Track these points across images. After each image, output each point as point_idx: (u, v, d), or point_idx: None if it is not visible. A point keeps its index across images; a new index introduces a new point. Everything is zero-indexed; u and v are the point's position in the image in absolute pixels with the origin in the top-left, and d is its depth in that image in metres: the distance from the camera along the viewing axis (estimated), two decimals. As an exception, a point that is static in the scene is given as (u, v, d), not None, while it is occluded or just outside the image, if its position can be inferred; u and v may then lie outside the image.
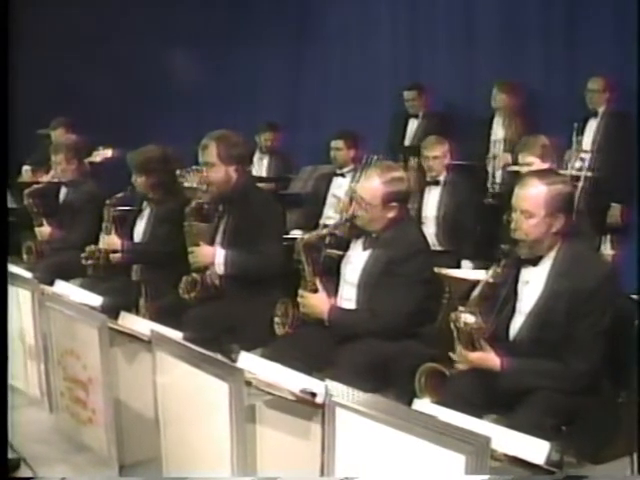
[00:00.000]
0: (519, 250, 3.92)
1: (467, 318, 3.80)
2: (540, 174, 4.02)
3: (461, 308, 3.86)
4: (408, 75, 9.15)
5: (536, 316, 3.83)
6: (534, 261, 3.91)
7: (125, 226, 6.17)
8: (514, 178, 5.54)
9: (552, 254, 3.87)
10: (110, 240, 5.97)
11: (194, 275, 5.25)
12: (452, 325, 3.86)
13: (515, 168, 6.26)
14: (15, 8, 10.36)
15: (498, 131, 7.93)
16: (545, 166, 5.42)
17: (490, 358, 3.81)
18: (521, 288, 3.96)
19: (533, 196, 3.82)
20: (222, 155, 5.16)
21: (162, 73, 10.94)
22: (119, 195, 6.11)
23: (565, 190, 3.89)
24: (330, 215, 7.37)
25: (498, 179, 7.62)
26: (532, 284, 3.90)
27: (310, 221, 7.36)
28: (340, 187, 7.49)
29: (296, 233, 6.36)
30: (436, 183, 6.79)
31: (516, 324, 3.93)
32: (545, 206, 3.79)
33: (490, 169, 7.69)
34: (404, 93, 8.80)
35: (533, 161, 5.50)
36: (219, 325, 5.02)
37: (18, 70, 10.80)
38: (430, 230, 6.46)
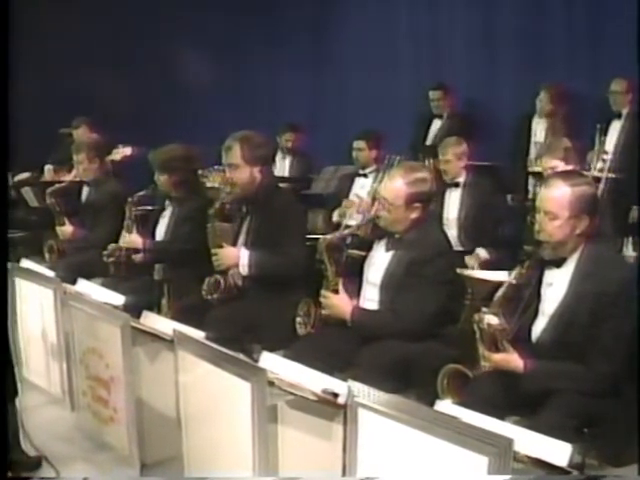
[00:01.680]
0: (543, 251, 3.91)
1: (490, 319, 3.79)
2: (564, 175, 4.00)
3: (484, 309, 3.86)
4: (430, 75, 9.13)
5: (559, 318, 3.82)
6: (558, 263, 3.89)
7: (147, 225, 6.19)
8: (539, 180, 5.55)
9: (575, 256, 3.86)
10: (131, 238, 6.00)
11: (217, 276, 5.25)
12: (475, 326, 3.86)
13: (537, 169, 6.24)
14: (38, 8, 10.51)
15: (538, 134, 7.89)
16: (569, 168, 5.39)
17: (513, 359, 3.80)
18: (544, 290, 3.94)
19: (557, 197, 3.80)
20: (246, 156, 5.15)
21: (183, 73, 10.95)
22: (141, 193, 6.14)
23: (589, 191, 3.87)
24: (350, 215, 7.34)
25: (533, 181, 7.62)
26: (555, 286, 3.89)
27: (332, 221, 7.34)
28: (362, 187, 7.47)
29: (318, 234, 6.35)
30: (456, 185, 6.76)
31: (539, 326, 3.91)
32: (569, 207, 3.77)
33: (530, 170, 7.67)
34: (429, 93, 8.79)
35: (557, 164, 5.46)
36: (241, 325, 5.02)
37: (39, 70, 10.94)
38: (452, 231, 6.43)
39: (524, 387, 3.74)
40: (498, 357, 3.82)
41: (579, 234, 3.82)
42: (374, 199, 6.12)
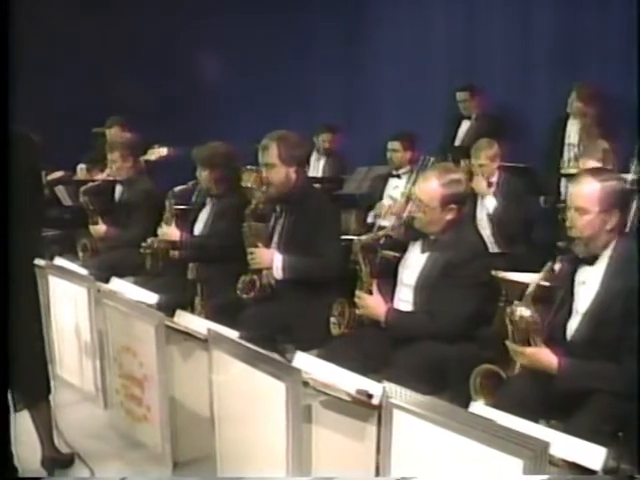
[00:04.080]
0: (575, 248, 3.91)
1: (522, 311, 3.77)
2: (593, 172, 4.01)
3: (517, 302, 3.84)
4: (462, 76, 9.07)
5: (592, 316, 3.79)
6: (590, 261, 3.88)
7: (186, 220, 6.21)
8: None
9: (607, 253, 3.84)
10: (169, 231, 6.03)
11: (252, 276, 5.24)
12: (507, 320, 3.84)
13: (572, 171, 6.20)
14: (77, 9, 10.57)
15: (572, 135, 7.84)
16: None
17: (545, 354, 3.75)
18: (578, 288, 3.92)
19: (587, 193, 3.80)
20: (283, 156, 5.13)
21: (219, 73, 10.98)
22: (181, 188, 6.17)
23: (619, 187, 3.86)
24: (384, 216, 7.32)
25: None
26: (588, 284, 3.87)
27: (366, 223, 7.34)
28: (395, 188, 7.46)
29: (350, 234, 6.34)
30: (489, 185, 6.72)
31: (573, 325, 3.89)
32: (599, 202, 3.77)
33: (563, 172, 7.63)
34: (457, 94, 8.75)
35: (594, 166, 5.42)
36: (275, 325, 5.02)
37: (70, 70, 11.01)
38: (485, 232, 6.40)
39: (558, 386, 3.70)
40: (530, 351, 3.78)
41: (610, 230, 3.81)
42: (407, 200, 6.12)
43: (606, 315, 3.73)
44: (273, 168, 5.17)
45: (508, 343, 3.83)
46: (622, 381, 3.58)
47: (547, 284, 3.95)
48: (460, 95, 8.73)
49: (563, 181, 7.45)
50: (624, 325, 3.65)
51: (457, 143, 8.65)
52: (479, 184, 6.63)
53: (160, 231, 6.07)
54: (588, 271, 3.89)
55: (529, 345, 3.78)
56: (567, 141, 7.88)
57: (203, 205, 6.24)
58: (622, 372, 3.60)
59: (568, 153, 7.78)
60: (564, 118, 7.93)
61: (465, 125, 8.77)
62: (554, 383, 3.71)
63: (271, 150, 5.15)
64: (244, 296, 5.22)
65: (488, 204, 6.60)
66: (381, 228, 5.60)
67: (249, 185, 7.17)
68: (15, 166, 3.97)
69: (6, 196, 3.89)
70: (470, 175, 6.68)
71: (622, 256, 3.81)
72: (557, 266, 4.08)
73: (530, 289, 3.87)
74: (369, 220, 7.33)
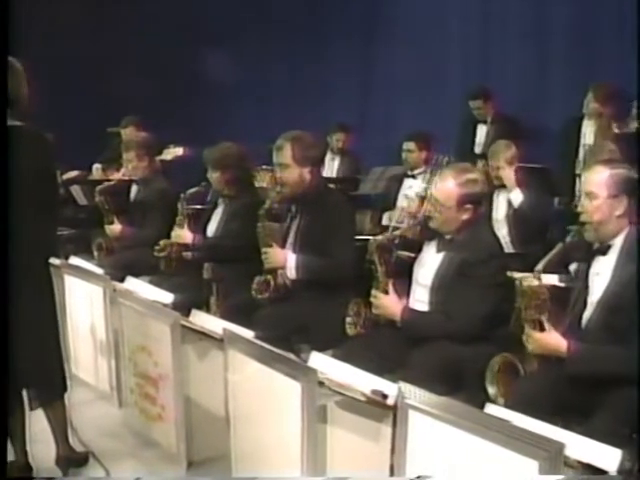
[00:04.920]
0: (585, 233, 3.99)
1: (532, 282, 3.90)
2: (604, 161, 4.18)
3: (527, 274, 3.97)
4: (478, 75, 9.06)
5: (605, 303, 3.84)
6: (603, 251, 3.95)
7: (198, 222, 6.21)
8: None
9: (619, 242, 3.92)
10: (182, 233, 6.03)
11: (267, 276, 5.24)
12: (518, 295, 4.00)
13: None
14: (93, 8, 10.61)
15: (588, 135, 7.82)
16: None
17: (555, 338, 3.83)
18: (592, 280, 3.97)
19: (596, 179, 3.93)
20: (297, 156, 5.13)
21: (233, 72, 10.99)
22: (193, 190, 6.17)
23: (627, 174, 3.96)
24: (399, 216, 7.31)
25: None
26: (602, 274, 3.93)
27: (381, 222, 7.32)
28: (410, 188, 7.44)
29: (365, 234, 6.33)
30: (504, 186, 6.70)
31: (588, 315, 3.93)
32: (607, 187, 3.89)
33: (579, 172, 7.61)
34: (470, 102, 8.68)
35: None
36: (290, 325, 5.01)
37: (85, 70, 11.05)
38: (501, 233, 6.37)
39: (569, 371, 3.75)
40: (540, 336, 3.87)
41: (619, 215, 3.90)
42: (423, 200, 6.11)
43: (618, 303, 3.78)
44: (287, 168, 5.16)
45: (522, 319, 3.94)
46: (633, 365, 3.60)
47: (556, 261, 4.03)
48: (474, 103, 8.66)
49: (578, 182, 7.45)
50: (636, 313, 3.68)
51: (477, 149, 8.59)
52: (508, 177, 6.60)
53: (173, 234, 6.07)
54: (601, 262, 3.95)
55: (541, 329, 3.86)
56: (582, 142, 7.85)
57: (215, 206, 6.24)
58: (633, 357, 3.61)
59: (584, 154, 7.76)
60: (579, 119, 7.91)
61: (482, 129, 8.72)
62: (565, 369, 3.75)
63: (285, 150, 5.15)
64: (258, 296, 5.22)
65: (514, 198, 6.56)
66: (396, 228, 5.57)
67: (264, 185, 7.17)
68: (30, 165, 3.98)
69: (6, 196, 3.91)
70: (487, 176, 6.66)
71: (632, 243, 3.88)
72: (572, 266, 4.12)
73: (542, 264, 4.03)
74: (384, 220, 7.31)
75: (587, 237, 4.00)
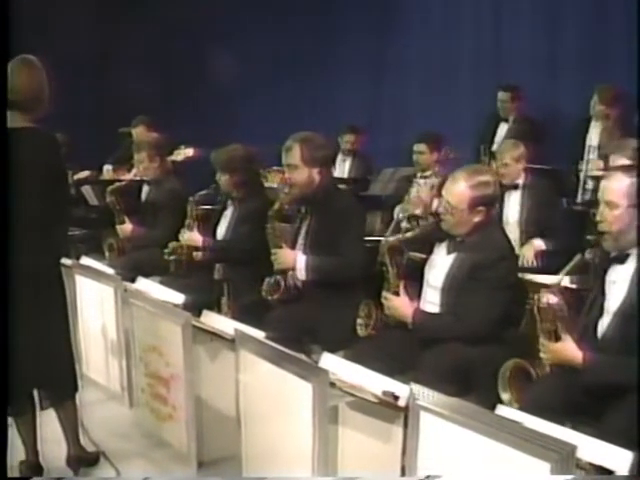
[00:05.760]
0: (604, 243, 3.91)
1: (550, 299, 3.82)
2: (624, 168, 4.10)
3: (544, 290, 3.88)
4: (490, 78, 9.04)
5: (622, 314, 3.79)
6: (621, 259, 3.88)
7: (207, 224, 6.21)
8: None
9: (637, 251, 3.84)
10: (191, 236, 6.03)
11: (277, 277, 5.24)
12: (535, 310, 3.91)
13: (601, 173, 6.16)
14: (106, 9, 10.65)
15: (593, 137, 7.81)
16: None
17: (571, 348, 3.78)
18: (608, 288, 3.92)
19: (616, 187, 3.83)
20: (306, 157, 5.13)
21: (244, 73, 11.00)
22: (202, 192, 6.17)
23: None
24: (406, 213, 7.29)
25: (589, 185, 7.55)
26: (619, 283, 3.87)
27: (391, 223, 7.31)
28: (422, 188, 7.42)
29: (376, 235, 6.33)
30: (515, 187, 6.69)
31: (603, 323, 3.89)
32: (628, 197, 3.79)
33: (582, 175, 7.61)
34: (498, 93, 8.64)
35: (626, 163, 5.41)
36: (301, 325, 5.01)
37: (97, 70, 11.08)
38: (513, 235, 6.36)
39: (584, 381, 3.71)
40: (556, 346, 3.83)
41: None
42: (432, 199, 6.11)
43: (635, 314, 3.71)
44: (296, 169, 5.17)
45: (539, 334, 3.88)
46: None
47: (576, 286, 3.96)
48: (502, 95, 8.62)
49: (585, 183, 7.46)
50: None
51: (495, 147, 8.56)
52: (511, 174, 6.59)
53: (182, 236, 6.08)
54: (619, 270, 3.89)
55: (557, 339, 3.81)
56: (588, 143, 7.84)
57: (225, 208, 6.24)
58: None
59: (587, 155, 7.75)
60: (586, 120, 7.91)
61: (503, 128, 8.69)
62: (580, 378, 3.72)
63: (294, 151, 5.15)
64: (268, 298, 5.22)
65: (515, 205, 6.55)
66: (408, 230, 5.57)
67: (275, 186, 7.18)
68: (41, 166, 3.99)
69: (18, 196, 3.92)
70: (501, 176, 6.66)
71: None
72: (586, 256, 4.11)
73: (559, 277, 3.92)
74: (395, 221, 7.30)
75: (606, 246, 3.91)
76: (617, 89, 7.61)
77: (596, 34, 8.22)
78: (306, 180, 5.18)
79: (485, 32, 9.33)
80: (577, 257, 3.98)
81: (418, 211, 6.86)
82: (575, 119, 8.13)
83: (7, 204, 3.87)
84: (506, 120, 8.61)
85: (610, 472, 2.80)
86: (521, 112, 8.57)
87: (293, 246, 5.33)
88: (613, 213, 3.82)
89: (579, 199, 7.44)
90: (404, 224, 6.84)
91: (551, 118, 8.49)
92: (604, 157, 6.75)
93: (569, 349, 3.78)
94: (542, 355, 3.92)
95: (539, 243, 6.27)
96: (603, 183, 3.94)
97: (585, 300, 4.02)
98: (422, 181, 7.49)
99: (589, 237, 4.44)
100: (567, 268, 3.95)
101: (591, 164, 7.52)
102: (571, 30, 8.48)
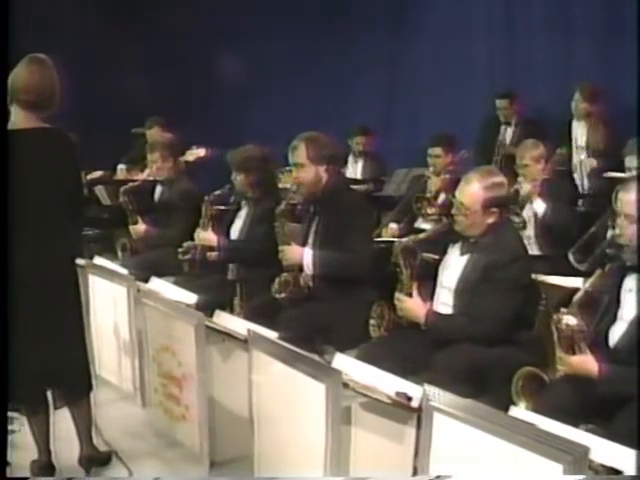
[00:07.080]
0: (624, 256, 3.88)
1: (569, 320, 3.74)
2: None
3: (563, 310, 3.80)
4: (503, 78, 9.04)
5: (638, 323, 3.76)
6: (638, 268, 3.83)
7: (222, 224, 6.21)
8: (607, 184, 5.46)
9: None
10: (206, 236, 6.03)
11: (287, 276, 5.26)
12: (553, 327, 3.82)
13: (613, 174, 6.15)
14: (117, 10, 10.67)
15: (579, 137, 7.79)
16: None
17: (589, 362, 3.73)
18: (624, 296, 3.89)
19: (634, 199, 3.78)
20: (311, 156, 5.17)
21: (257, 74, 11.00)
22: (217, 192, 6.17)
23: None
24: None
25: (587, 185, 7.57)
26: (635, 292, 3.83)
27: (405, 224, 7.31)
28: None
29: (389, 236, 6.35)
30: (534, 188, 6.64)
31: (617, 332, 3.87)
32: None
33: (577, 176, 7.61)
34: (496, 101, 8.66)
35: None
36: (313, 326, 5.02)
37: (109, 71, 11.09)
38: (526, 235, 6.33)
39: (599, 392, 3.68)
40: (575, 360, 3.76)
41: None
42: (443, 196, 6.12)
43: None
44: (302, 168, 5.22)
45: (556, 349, 3.82)
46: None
47: (590, 290, 3.92)
48: (500, 102, 8.62)
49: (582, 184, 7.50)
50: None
51: (500, 150, 8.55)
52: (524, 188, 6.54)
53: (197, 236, 6.08)
54: (636, 279, 3.85)
55: (573, 352, 3.76)
56: (575, 144, 7.82)
57: (239, 208, 6.25)
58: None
59: (578, 156, 7.75)
60: (568, 121, 7.89)
61: (506, 131, 8.67)
62: (595, 388, 3.69)
63: (300, 150, 5.21)
64: (278, 296, 5.23)
65: (537, 208, 6.49)
66: (421, 231, 5.56)
67: (288, 186, 7.18)
68: (54, 166, 4.00)
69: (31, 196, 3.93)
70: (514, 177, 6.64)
71: None
72: (604, 271, 4.08)
73: (578, 296, 3.84)
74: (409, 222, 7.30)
75: (625, 258, 3.89)
76: (597, 86, 7.60)
77: (607, 41, 8.20)
78: (313, 178, 5.22)
79: (498, 31, 9.31)
80: (597, 272, 3.93)
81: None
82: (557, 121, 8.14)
83: (22, 204, 3.88)
84: (509, 124, 8.59)
85: (622, 473, 2.80)
86: (522, 116, 8.56)
87: (303, 245, 5.35)
88: (632, 227, 3.78)
89: (580, 199, 7.46)
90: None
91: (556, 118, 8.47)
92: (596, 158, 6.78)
93: (588, 362, 3.73)
94: (559, 367, 3.87)
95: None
96: (621, 195, 3.88)
97: (599, 305, 3.98)
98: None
99: (608, 251, 4.38)
100: (587, 285, 3.90)
101: (584, 165, 7.54)
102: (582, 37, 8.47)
